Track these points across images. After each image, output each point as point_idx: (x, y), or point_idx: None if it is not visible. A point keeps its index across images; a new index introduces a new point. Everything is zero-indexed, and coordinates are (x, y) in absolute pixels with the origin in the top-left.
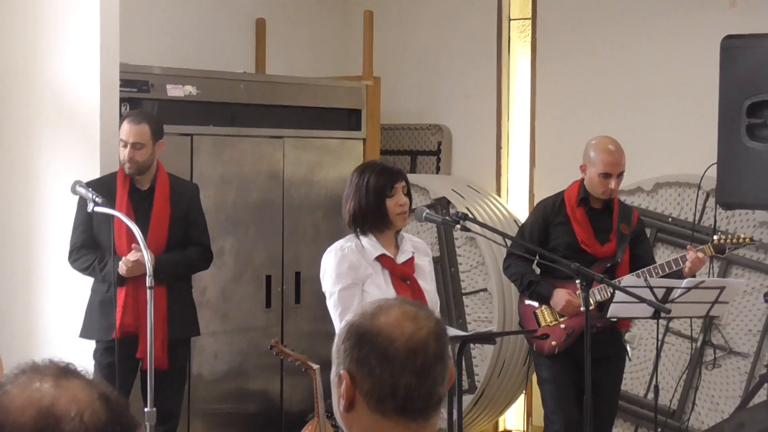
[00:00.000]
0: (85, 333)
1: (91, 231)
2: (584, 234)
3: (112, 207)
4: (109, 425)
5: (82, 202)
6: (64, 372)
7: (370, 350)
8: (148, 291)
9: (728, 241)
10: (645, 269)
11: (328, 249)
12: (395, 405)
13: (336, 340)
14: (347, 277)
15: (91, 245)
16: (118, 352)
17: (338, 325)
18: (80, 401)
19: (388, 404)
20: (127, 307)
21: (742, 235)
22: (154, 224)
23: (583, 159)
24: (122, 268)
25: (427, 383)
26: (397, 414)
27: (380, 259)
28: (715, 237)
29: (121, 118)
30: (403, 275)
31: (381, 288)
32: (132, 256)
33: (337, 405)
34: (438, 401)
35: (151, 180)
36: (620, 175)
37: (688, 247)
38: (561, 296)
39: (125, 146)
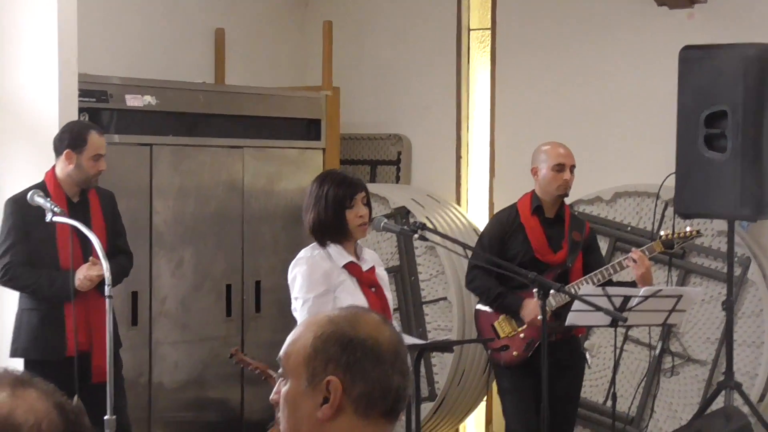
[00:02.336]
0: (25, 352)
1: (28, 248)
2: (538, 243)
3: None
4: None
5: (17, 216)
6: (20, 381)
7: (362, 354)
8: (107, 300)
9: (676, 235)
10: (596, 272)
11: (298, 257)
12: (384, 407)
13: (305, 350)
14: (321, 284)
15: (26, 263)
16: (64, 372)
17: None
18: (37, 411)
19: (378, 407)
20: (79, 324)
21: (689, 228)
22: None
23: (533, 163)
24: (84, 283)
25: (408, 383)
26: (383, 416)
27: (347, 266)
28: (662, 232)
29: (84, 130)
30: (369, 283)
31: (352, 294)
32: (96, 271)
33: (308, 416)
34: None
35: (79, 192)
36: (572, 170)
37: (633, 249)
38: (533, 306)
39: (98, 159)
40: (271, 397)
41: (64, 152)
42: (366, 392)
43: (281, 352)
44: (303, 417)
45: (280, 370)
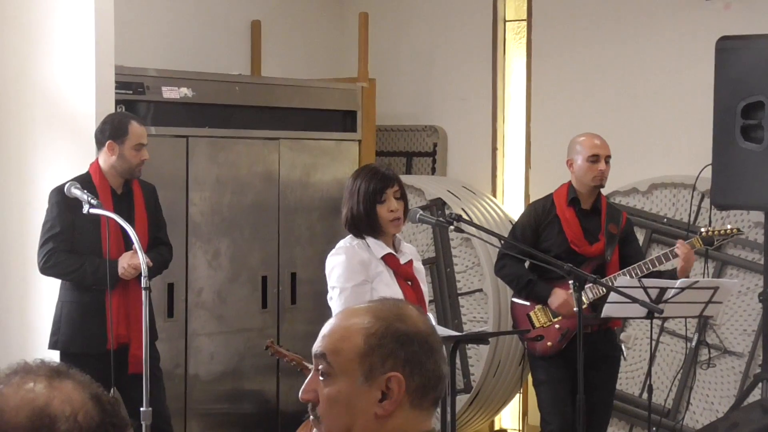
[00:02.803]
0: (66, 345)
1: (72, 236)
2: (574, 235)
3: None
4: (102, 425)
5: (62, 206)
6: (57, 372)
7: (418, 347)
8: (143, 292)
9: (716, 232)
10: (635, 265)
11: (337, 246)
12: (435, 395)
13: (358, 347)
14: (360, 274)
15: (71, 250)
16: (104, 365)
17: None
18: (74, 401)
19: (430, 396)
20: (119, 317)
21: (729, 226)
22: (138, 228)
23: (568, 155)
24: (129, 271)
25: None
26: (431, 404)
27: (385, 258)
28: (702, 229)
29: (124, 120)
30: (406, 276)
31: (389, 286)
32: (136, 260)
33: (363, 414)
34: None
35: (122, 184)
36: (608, 161)
37: (679, 241)
38: (560, 295)
39: (140, 149)
40: (303, 396)
41: (107, 143)
42: (422, 384)
43: (321, 349)
44: (358, 414)
45: (320, 368)
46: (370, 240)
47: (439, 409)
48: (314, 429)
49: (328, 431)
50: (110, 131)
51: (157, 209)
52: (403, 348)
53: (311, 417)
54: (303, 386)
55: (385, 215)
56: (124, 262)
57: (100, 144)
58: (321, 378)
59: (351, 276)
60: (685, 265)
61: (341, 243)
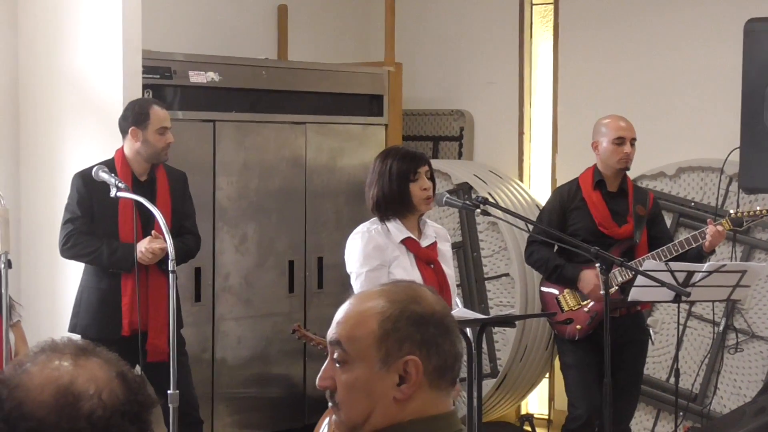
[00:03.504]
0: (83, 330)
1: (92, 221)
2: (601, 216)
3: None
4: (127, 403)
5: (83, 190)
6: (83, 351)
7: (434, 329)
8: (170, 276)
9: (745, 214)
10: (664, 248)
11: (355, 231)
12: (453, 375)
13: (374, 333)
14: (375, 259)
15: (90, 233)
16: (122, 350)
17: None
18: (99, 380)
19: (448, 376)
20: (134, 304)
21: (759, 208)
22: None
23: (593, 137)
24: (146, 255)
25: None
26: (449, 384)
27: (405, 242)
28: (731, 211)
29: (145, 105)
30: (427, 259)
31: (407, 270)
32: (157, 244)
33: (383, 398)
34: None
35: (148, 171)
36: (633, 143)
37: (708, 220)
38: (590, 277)
39: (164, 132)
40: (321, 383)
41: (130, 130)
42: (440, 365)
43: (336, 336)
44: (377, 399)
45: (336, 355)
46: (391, 224)
47: (464, 394)
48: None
49: (348, 418)
50: (132, 117)
51: (186, 198)
52: (419, 330)
53: (330, 404)
54: (320, 373)
55: (418, 193)
56: (142, 246)
57: (123, 132)
58: (337, 365)
59: (366, 261)
60: (713, 240)
61: (359, 228)
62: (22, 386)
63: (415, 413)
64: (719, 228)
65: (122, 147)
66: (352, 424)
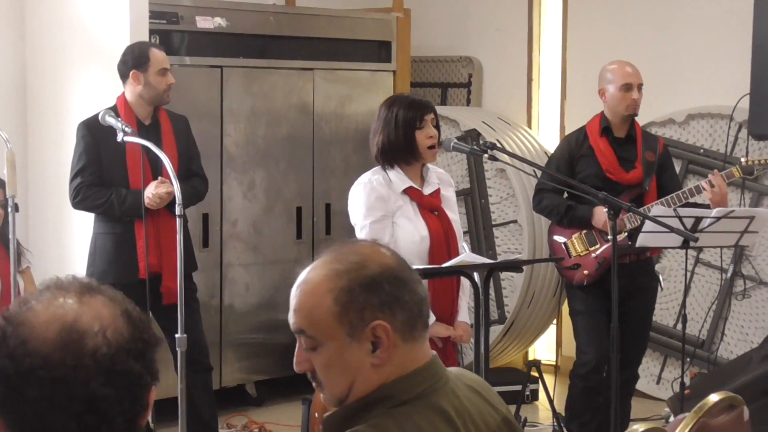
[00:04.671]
0: (101, 276)
1: (100, 170)
2: (608, 163)
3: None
4: (132, 341)
5: (88, 139)
6: (88, 288)
7: (390, 286)
8: (178, 220)
9: (756, 162)
10: (672, 195)
11: (356, 182)
12: (423, 321)
13: (330, 311)
14: (378, 209)
15: (99, 184)
16: (139, 293)
17: None
18: (103, 317)
19: (419, 324)
20: (150, 247)
21: None
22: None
23: (600, 84)
24: (154, 200)
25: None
26: (423, 329)
27: (408, 191)
28: (742, 159)
29: (144, 47)
30: (431, 206)
31: (411, 219)
32: (164, 188)
33: (360, 367)
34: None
35: (151, 114)
36: (640, 89)
37: (714, 171)
38: (602, 214)
39: (165, 74)
40: (298, 368)
41: (131, 74)
42: (407, 318)
43: (297, 326)
44: (356, 371)
45: (304, 343)
46: (392, 173)
47: (472, 340)
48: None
49: (332, 394)
50: (132, 61)
51: (189, 141)
52: (375, 293)
53: (313, 384)
54: (294, 359)
55: (424, 141)
56: (149, 191)
57: (124, 76)
58: (309, 350)
59: (369, 212)
60: (719, 199)
61: (360, 179)
62: (26, 323)
63: (396, 371)
64: (721, 176)
65: (123, 93)
66: (337, 399)
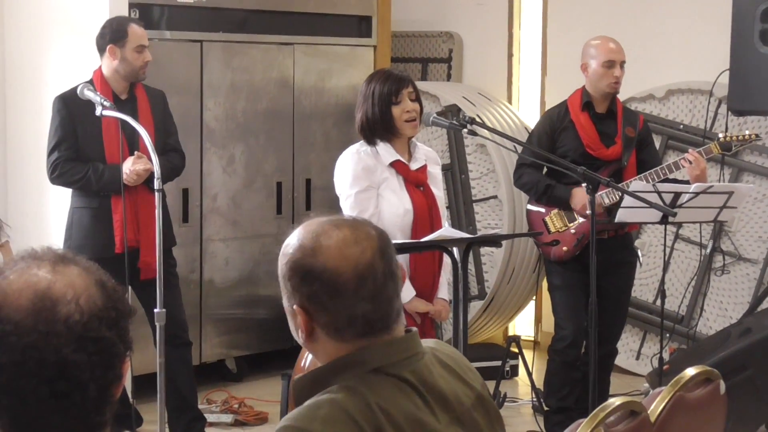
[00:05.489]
0: (78, 250)
1: (76, 144)
2: (589, 138)
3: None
4: (105, 309)
5: (63, 113)
6: (62, 258)
7: (319, 287)
8: (156, 195)
9: (734, 138)
10: (651, 171)
11: (344, 152)
12: (355, 331)
13: (279, 272)
14: (364, 180)
15: (76, 159)
16: (115, 268)
17: None
18: (77, 286)
19: (348, 332)
20: (128, 222)
21: (748, 132)
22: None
23: (582, 59)
24: (131, 177)
25: (383, 305)
26: (360, 337)
27: (394, 164)
28: (720, 135)
29: (123, 22)
30: (416, 181)
31: (396, 192)
32: (141, 165)
33: (297, 334)
34: (397, 314)
35: (127, 89)
36: (623, 66)
37: (690, 150)
38: (582, 195)
39: (142, 50)
40: None
41: (107, 48)
42: (330, 321)
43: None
44: (296, 329)
45: None
46: (380, 146)
47: (452, 316)
48: None
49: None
50: (110, 35)
51: (166, 115)
52: (305, 284)
53: None
54: None
55: (400, 116)
56: (126, 168)
57: (101, 50)
58: None
59: (354, 182)
60: (698, 173)
61: (348, 150)
62: (0, 291)
63: (323, 354)
64: (698, 153)
65: (100, 66)
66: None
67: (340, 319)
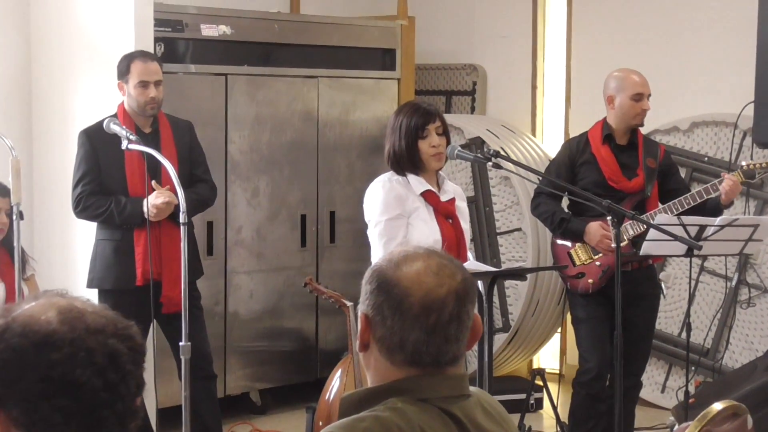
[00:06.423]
0: (100, 282)
1: (99, 177)
2: (610, 171)
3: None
4: (118, 329)
5: (87, 146)
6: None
7: (385, 299)
8: (182, 228)
9: (757, 165)
10: (676, 200)
11: (375, 180)
12: (404, 357)
13: (364, 277)
14: (395, 208)
15: (100, 192)
16: (136, 301)
17: (381, 255)
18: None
19: (397, 355)
20: (147, 254)
21: None
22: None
23: (607, 92)
24: (152, 211)
25: (437, 341)
26: (408, 364)
27: (425, 194)
28: (743, 163)
29: (128, 58)
30: (446, 213)
31: (427, 223)
32: (161, 199)
33: (355, 341)
34: (453, 358)
35: (151, 122)
36: (648, 99)
37: (723, 174)
38: (595, 230)
39: (146, 86)
40: None
41: (118, 84)
42: (384, 337)
43: None
44: (355, 340)
45: None
46: (411, 177)
47: (476, 348)
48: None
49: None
50: (118, 71)
51: (193, 146)
52: (376, 293)
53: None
54: None
55: (427, 150)
56: (150, 202)
57: (119, 87)
58: None
59: (386, 209)
60: (729, 192)
61: (379, 177)
62: (24, 313)
63: (375, 370)
64: (734, 178)
65: (122, 101)
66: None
67: (393, 339)
